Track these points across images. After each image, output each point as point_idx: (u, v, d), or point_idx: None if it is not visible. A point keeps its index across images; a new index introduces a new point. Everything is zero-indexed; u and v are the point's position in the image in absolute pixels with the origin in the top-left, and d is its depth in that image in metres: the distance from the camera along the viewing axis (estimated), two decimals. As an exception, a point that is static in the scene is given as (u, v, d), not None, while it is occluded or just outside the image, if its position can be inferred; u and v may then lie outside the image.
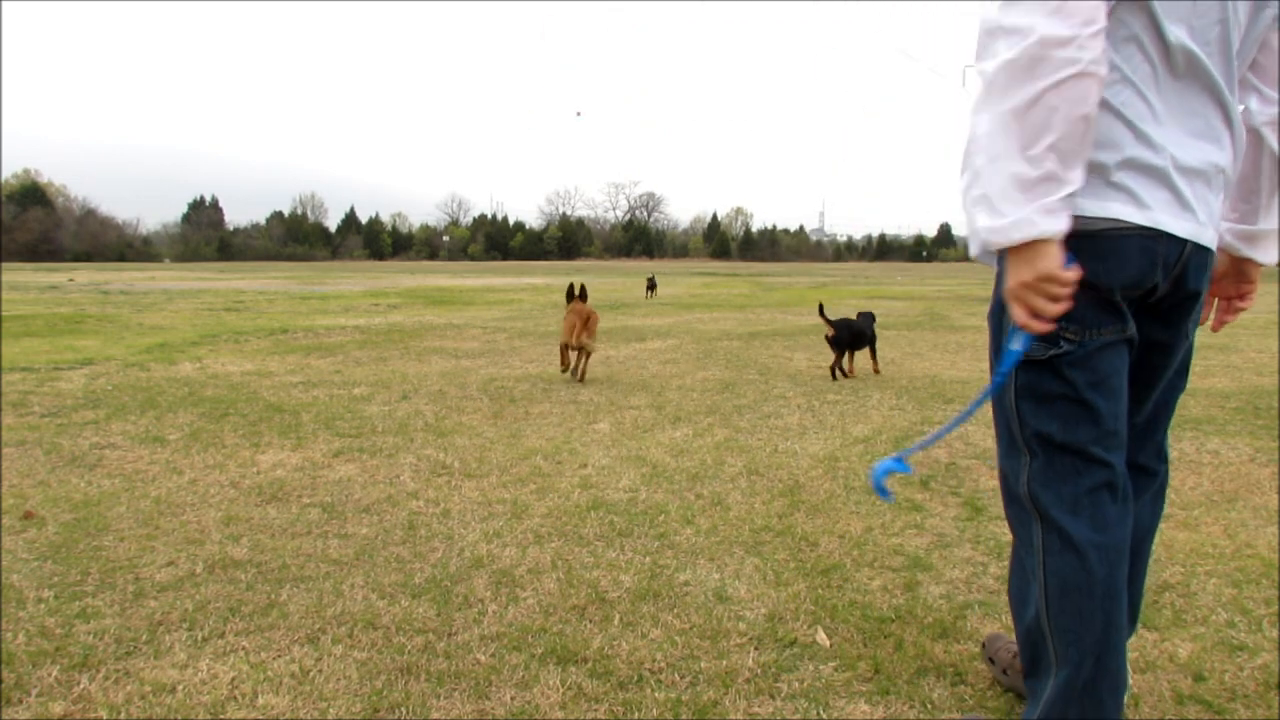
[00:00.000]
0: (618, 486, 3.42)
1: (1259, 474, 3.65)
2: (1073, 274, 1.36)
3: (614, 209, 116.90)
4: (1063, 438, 1.46)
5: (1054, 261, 1.34)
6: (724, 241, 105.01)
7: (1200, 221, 1.43)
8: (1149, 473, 1.68)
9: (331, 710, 1.81)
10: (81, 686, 1.89)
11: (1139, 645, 2.09)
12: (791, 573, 2.55)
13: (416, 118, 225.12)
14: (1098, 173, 1.38)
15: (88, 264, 54.50)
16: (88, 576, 2.49)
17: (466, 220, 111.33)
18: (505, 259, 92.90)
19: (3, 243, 64.92)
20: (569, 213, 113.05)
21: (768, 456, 3.91)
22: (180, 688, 1.88)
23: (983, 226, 1.35)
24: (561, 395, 5.46)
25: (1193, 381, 6.15)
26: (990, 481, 3.50)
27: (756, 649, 2.07)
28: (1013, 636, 1.74)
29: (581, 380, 5.96)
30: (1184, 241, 1.42)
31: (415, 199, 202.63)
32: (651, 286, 18.33)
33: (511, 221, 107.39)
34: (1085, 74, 1.27)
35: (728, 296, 18.05)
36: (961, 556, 2.67)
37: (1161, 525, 2.95)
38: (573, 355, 6.00)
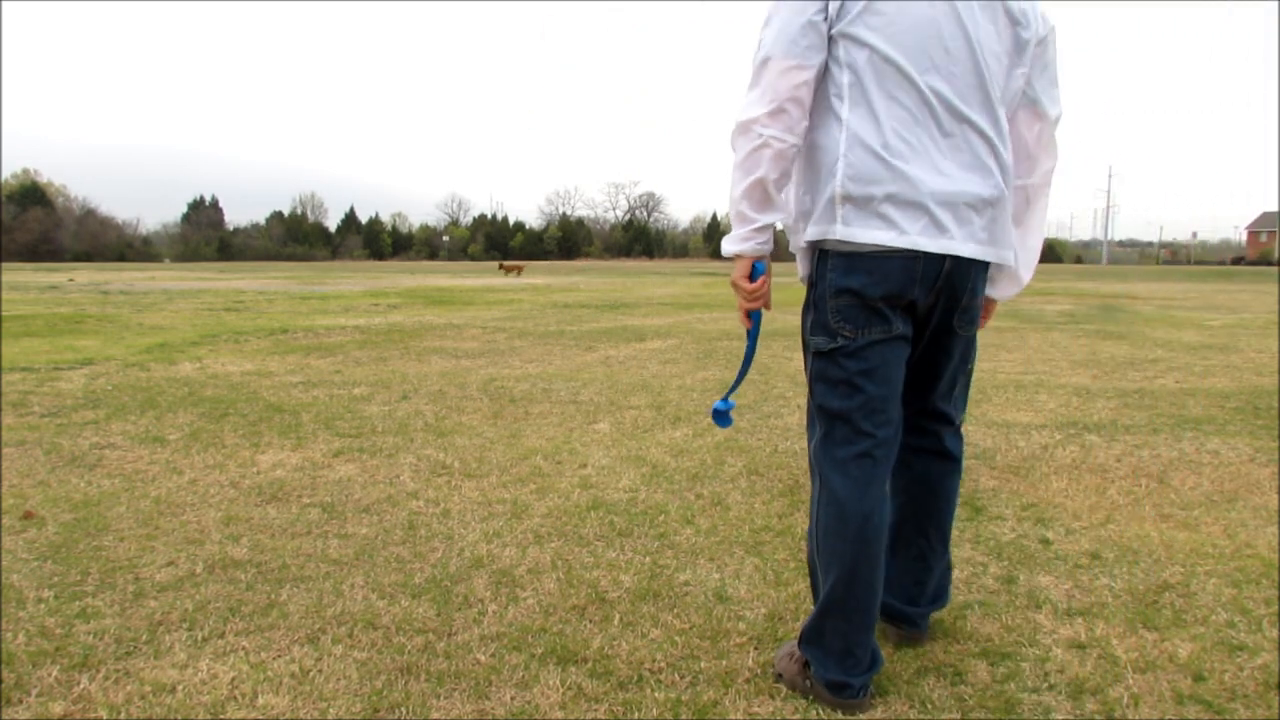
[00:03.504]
0: (618, 486, 3.42)
1: (1259, 474, 3.65)
2: (753, 287, 1.85)
3: (614, 209, 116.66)
4: (837, 411, 1.80)
5: (740, 273, 1.84)
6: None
7: (956, 238, 1.73)
8: (937, 436, 2.01)
9: (331, 710, 1.81)
10: (81, 686, 1.89)
11: (1139, 645, 2.09)
12: (791, 573, 2.55)
13: (416, 118, 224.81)
14: (865, 204, 1.71)
15: (88, 264, 54.43)
16: (88, 576, 2.49)
17: (466, 220, 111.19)
18: (506, 259, 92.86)
19: (3, 243, 64.78)
20: (569, 213, 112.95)
21: (768, 456, 3.91)
22: (180, 688, 1.89)
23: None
24: (561, 395, 5.46)
25: (1192, 381, 6.17)
26: (990, 481, 3.50)
27: (756, 649, 2.08)
28: (791, 644, 1.97)
29: None
30: (942, 258, 1.73)
31: (415, 199, 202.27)
32: None
33: (511, 221, 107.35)
34: (765, 146, 1.71)
35: (728, 296, 18.03)
36: (961, 556, 2.67)
37: (1161, 525, 2.97)
38: None
